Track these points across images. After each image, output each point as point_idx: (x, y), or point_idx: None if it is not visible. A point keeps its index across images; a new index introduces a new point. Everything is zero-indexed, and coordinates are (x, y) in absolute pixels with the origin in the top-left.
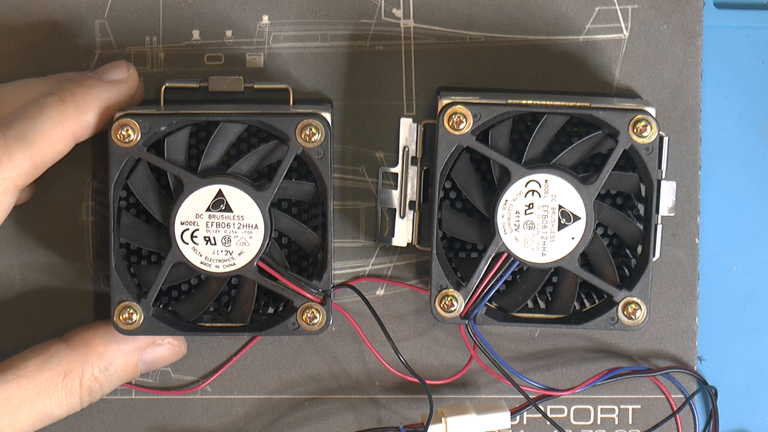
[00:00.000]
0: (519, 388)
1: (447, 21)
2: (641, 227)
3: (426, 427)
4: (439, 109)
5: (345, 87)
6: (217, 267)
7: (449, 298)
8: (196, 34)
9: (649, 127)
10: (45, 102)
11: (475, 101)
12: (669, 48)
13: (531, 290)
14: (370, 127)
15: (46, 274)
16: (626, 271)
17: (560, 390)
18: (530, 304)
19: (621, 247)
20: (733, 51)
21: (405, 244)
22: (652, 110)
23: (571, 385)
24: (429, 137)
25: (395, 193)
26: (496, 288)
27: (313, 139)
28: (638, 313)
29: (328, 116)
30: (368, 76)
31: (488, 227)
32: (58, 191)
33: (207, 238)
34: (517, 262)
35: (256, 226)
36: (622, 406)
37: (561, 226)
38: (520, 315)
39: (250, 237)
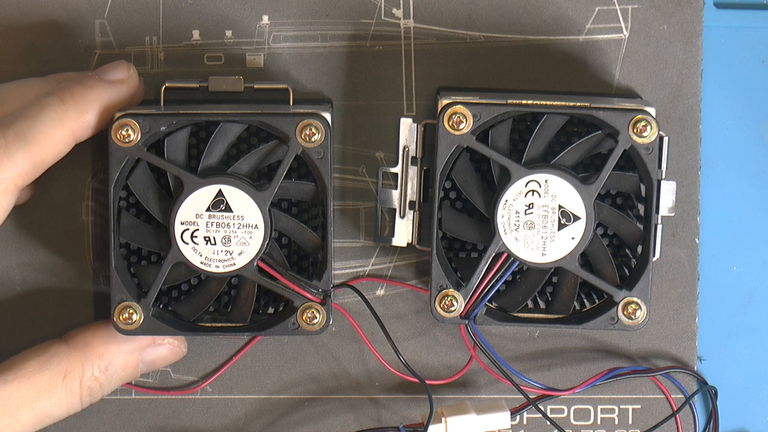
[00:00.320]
0: (519, 388)
1: (447, 21)
2: (641, 227)
3: (426, 427)
4: (439, 109)
5: (345, 87)
6: (217, 267)
7: (449, 298)
8: (196, 34)
9: (649, 127)
10: (45, 102)
11: (475, 101)
12: (669, 48)
13: (531, 290)
14: (370, 127)
15: (46, 274)
16: (626, 271)
17: (560, 390)
18: (530, 304)
19: (621, 247)
20: (733, 51)
21: (405, 244)
22: (652, 110)
23: (571, 385)
24: (429, 137)
25: (395, 193)
26: (496, 288)
27: (313, 139)
28: (638, 313)
29: (328, 116)
30: (368, 76)
31: (488, 227)
32: (58, 191)
33: (207, 238)
34: (517, 262)
35: (256, 226)
36: (622, 406)
37: (561, 226)
38: (520, 315)
39: (250, 237)
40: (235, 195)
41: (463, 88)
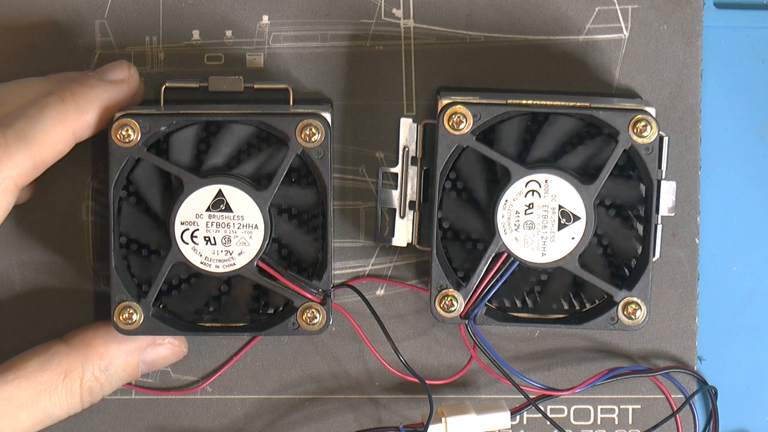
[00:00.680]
0: (519, 388)
1: (447, 21)
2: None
3: (426, 427)
4: (439, 109)
5: (345, 87)
6: (217, 267)
7: (449, 298)
8: (196, 34)
9: (649, 127)
10: (45, 101)
11: (475, 101)
12: (669, 48)
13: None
14: (370, 127)
15: (46, 274)
16: (626, 271)
17: (560, 390)
18: (530, 304)
19: (621, 247)
20: (733, 51)
21: (405, 244)
22: (652, 110)
23: (571, 385)
24: (429, 137)
25: (395, 193)
26: (496, 288)
27: (313, 139)
28: (638, 313)
29: (328, 116)
30: (368, 76)
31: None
32: (58, 191)
33: (207, 238)
34: (517, 262)
35: (256, 226)
36: (622, 406)
37: (561, 226)
38: (520, 315)
39: (250, 237)
40: (235, 195)
41: (463, 88)
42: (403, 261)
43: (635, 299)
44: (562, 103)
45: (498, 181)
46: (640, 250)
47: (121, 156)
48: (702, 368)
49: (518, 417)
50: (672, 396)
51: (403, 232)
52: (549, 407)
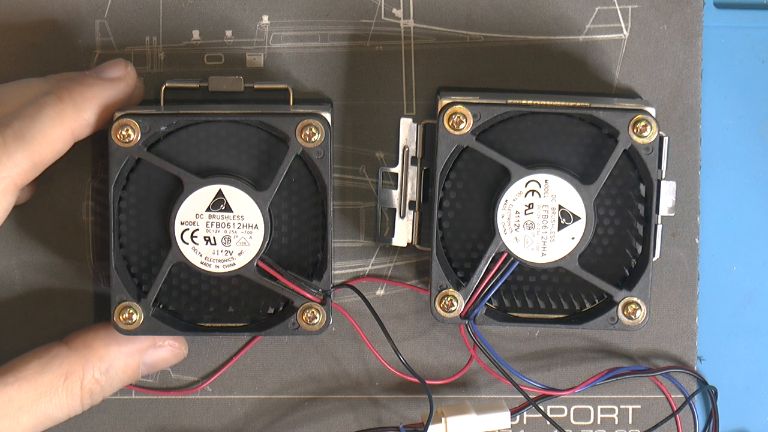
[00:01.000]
0: (519, 388)
1: (447, 21)
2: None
3: (426, 427)
4: (439, 109)
5: (345, 87)
6: (217, 267)
7: (449, 298)
8: (196, 34)
9: (649, 127)
10: (43, 101)
11: (475, 101)
12: (669, 48)
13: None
14: (370, 127)
15: (46, 274)
16: (626, 271)
17: (560, 390)
18: (530, 304)
19: (621, 246)
20: (733, 51)
21: (405, 244)
22: (652, 110)
23: (571, 385)
24: (429, 137)
25: (395, 193)
26: (496, 288)
27: (313, 139)
28: (638, 313)
29: (328, 116)
30: (368, 76)
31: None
32: (58, 191)
33: (207, 238)
34: (517, 262)
35: (256, 226)
36: (622, 406)
37: (561, 226)
38: (520, 315)
39: (250, 237)
40: (235, 195)
41: (463, 88)
42: (403, 261)
43: (635, 299)
44: (562, 103)
45: (498, 181)
46: (640, 250)
47: (121, 156)
48: (702, 368)
49: (518, 417)
50: (672, 396)
51: (403, 232)
52: (549, 407)
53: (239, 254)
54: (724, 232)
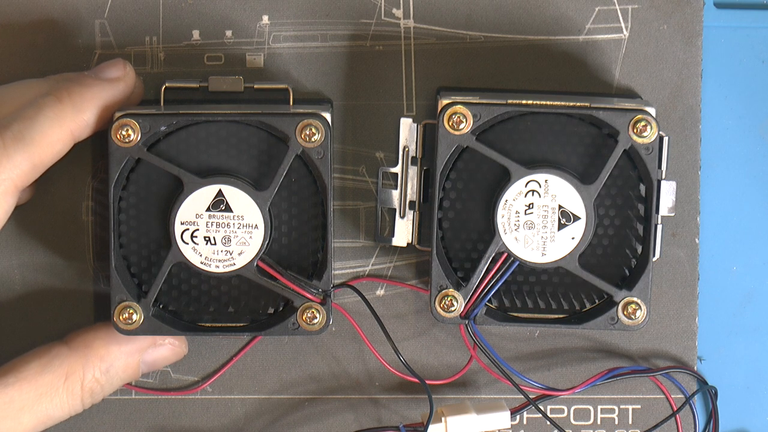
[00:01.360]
0: (519, 388)
1: (447, 21)
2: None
3: (426, 427)
4: (439, 109)
5: (345, 87)
6: (217, 267)
7: (449, 298)
8: (196, 34)
9: (649, 127)
10: (42, 102)
11: (475, 101)
12: (669, 48)
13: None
14: (370, 127)
15: (46, 274)
16: (626, 271)
17: (560, 390)
18: (530, 304)
19: (621, 246)
20: (733, 51)
21: (405, 244)
22: (652, 110)
23: (571, 385)
24: (429, 137)
25: (395, 193)
26: (496, 288)
27: (313, 139)
28: (638, 313)
29: (328, 116)
30: (368, 76)
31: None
32: (58, 191)
33: (207, 238)
34: (517, 262)
35: (256, 226)
36: (622, 406)
37: (561, 226)
38: (520, 315)
39: (250, 237)
40: (235, 195)
41: (463, 88)
42: (403, 261)
43: (635, 299)
44: (562, 103)
45: (498, 181)
46: (640, 250)
47: (121, 156)
48: (702, 368)
49: (518, 417)
50: (672, 396)
51: (403, 232)
52: (549, 407)
53: (239, 254)
54: (724, 232)
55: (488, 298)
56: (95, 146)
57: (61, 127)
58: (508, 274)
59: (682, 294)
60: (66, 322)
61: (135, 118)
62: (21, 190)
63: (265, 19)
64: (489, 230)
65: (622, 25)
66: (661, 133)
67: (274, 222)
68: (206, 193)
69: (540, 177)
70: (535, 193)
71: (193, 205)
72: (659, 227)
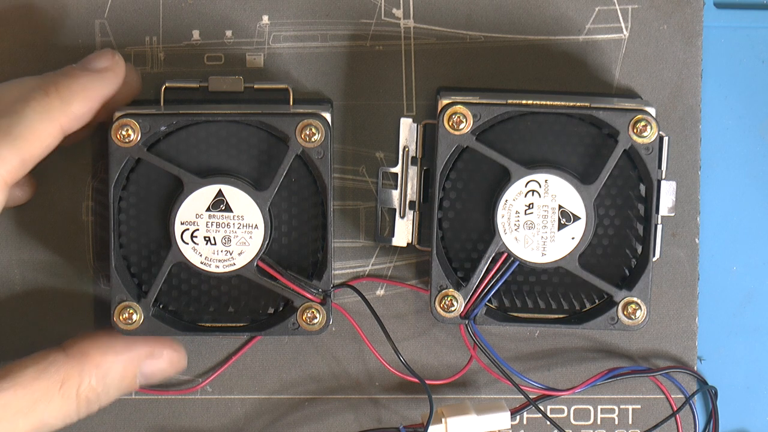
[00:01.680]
0: (519, 388)
1: (447, 21)
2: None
3: (426, 428)
4: (439, 109)
5: (345, 87)
6: (217, 267)
7: (449, 298)
8: (196, 34)
9: (649, 127)
10: (29, 96)
11: (475, 101)
12: (669, 48)
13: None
14: (370, 127)
15: (46, 274)
16: (626, 271)
17: (560, 390)
18: (530, 304)
19: (621, 246)
20: (733, 51)
21: (405, 244)
22: (652, 110)
23: (571, 385)
24: (429, 137)
25: (395, 193)
26: (496, 288)
27: (313, 139)
28: (638, 313)
29: (328, 116)
30: (368, 76)
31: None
32: (58, 191)
33: (207, 238)
34: (517, 262)
35: (256, 226)
36: (622, 406)
37: (561, 226)
38: (520, 315)
39: (250, 237)
40: (235, 195)
41: (463, 88)
42: (403, 261)
43: (635, 299)
44: (562, 103)
45: (498, 181)
46: (640, 250)
47: (121, 156)
48: (702, 368)
49: (518, 417)
50: (672, 396)
51: (403, 232)
52: (549, 407)
53: (239, 254)
54: (724, 232)
55: (488, 298)
56: (95, 146)
57: (49, 121)
58: (508, 274)
59: (682, 294)
60: (66, 321)
61: (135, 118)
62: (11, 185)
63: (265, 19)
64: (489, 230)
65: (622, 25)
66: (661, 133)
67: (274, 222)
68: (206, 193)
69: (540, 177)
70: (535, 193)
71: (193, 205)
72: (659, 227)
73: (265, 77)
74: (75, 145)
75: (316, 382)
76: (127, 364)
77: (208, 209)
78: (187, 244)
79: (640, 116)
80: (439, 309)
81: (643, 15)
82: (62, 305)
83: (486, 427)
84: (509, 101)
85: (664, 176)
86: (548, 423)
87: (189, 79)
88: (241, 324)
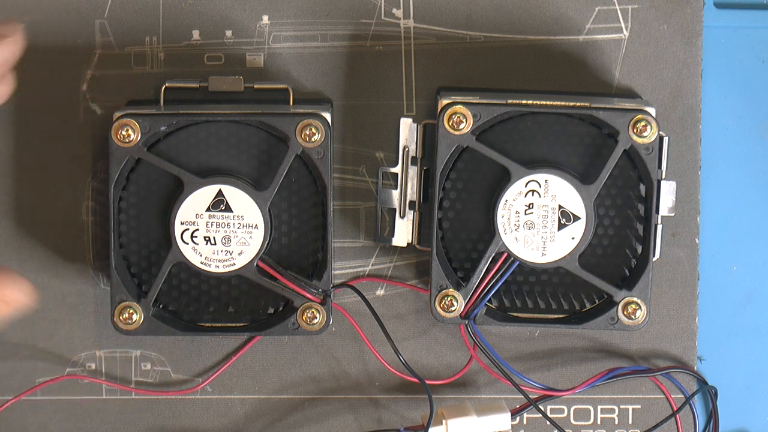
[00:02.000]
0: (519, 388)
1: (447, 21)
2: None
3: (426, 429)
4: (439, 109)
5: (345, 87)
6: (217, 267)
7: (449, 298)
8: (196, 34)
9: (649, 127)
10: None
11: (475, 101)
12: (669, 48)
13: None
14: (370, 127)
15: (46, 274)
16: (626, 271)
17: (560, 390)
18: (530, 304)
19: (621, 246)
20: (733, 51)
21: (405, 244)
22: (652, 110)
23: (571, 385)
24: (429, 137)
25: (395, 193)
26: (496, 288)
27: (313, 139)
28: (638, 313)
29: (328, 116)
30: (368, 76)
31: (490, 221)
32: (58, 191)
33: (207, 238)
34: (517, 262)
35: (256, 226)
36: (622, 406)
37: (561, 226)
38: (520, 315)
39: (250, 237)
40: (235, 195)
41: (463, 88)
42: (403, 261)
43: (635, 299)
44: (562, 103)
45: (498, 181)
46: (640, 250)
47: (121, 156)
48: (702, 368)
49: (518, 417)
50: (672, 396)
51: (403, 232)
52: (549, 407)
53: (239, 254)
54: (724, 232)
55: (488, 298)
56: (95, 146)
57: None
58: (508, 274)
59: (682, 294)
60: (66, 322)
61: (135, 118)
62: None
63: (265, 19)
64: (489, 230)
65: (622, 25)
66: (661, 133)
67: (274, 222)
68: (206, 193)
69: (540, 177)
70: (535, 193)
71: (193, 205)
72: (659, 227)
73: (265, 77)
74: (75, 145)
75: (316, 383)
76: None
77: (208, 209)
78: (187, 244)
79: (640, 116)
80: (439, 309)
81: (643, 15)
82: (62, 305)
83: (486, 428)
84: (509, 101)
85: (664, 176)
86: (548, 423)
87: (189, 79)
88: (241, 324)
